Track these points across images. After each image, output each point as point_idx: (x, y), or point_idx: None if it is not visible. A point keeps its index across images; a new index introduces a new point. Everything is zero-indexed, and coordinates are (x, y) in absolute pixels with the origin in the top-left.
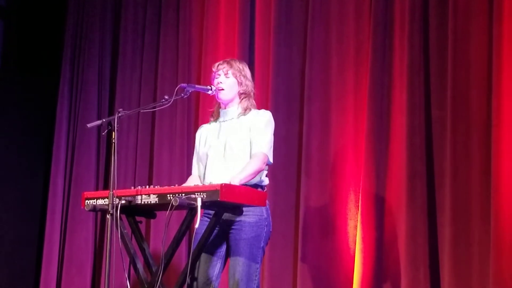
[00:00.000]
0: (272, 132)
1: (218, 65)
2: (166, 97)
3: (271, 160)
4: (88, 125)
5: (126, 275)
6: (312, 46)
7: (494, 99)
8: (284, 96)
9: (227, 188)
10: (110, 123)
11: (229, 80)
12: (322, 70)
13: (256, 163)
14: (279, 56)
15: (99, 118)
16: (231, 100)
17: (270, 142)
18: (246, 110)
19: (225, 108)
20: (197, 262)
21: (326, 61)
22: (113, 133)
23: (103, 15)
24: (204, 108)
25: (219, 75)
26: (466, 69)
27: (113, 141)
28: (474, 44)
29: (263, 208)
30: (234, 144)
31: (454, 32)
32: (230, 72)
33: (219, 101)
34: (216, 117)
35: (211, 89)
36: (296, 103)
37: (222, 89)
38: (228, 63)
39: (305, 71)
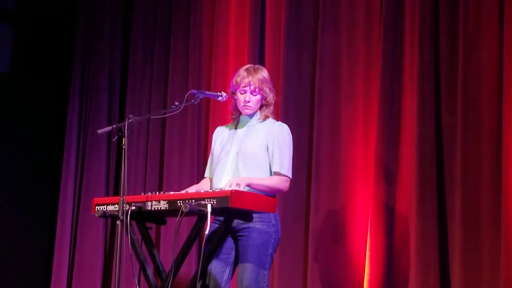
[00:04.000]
0: (292, 149)
1: (245, 80)
2: (177, 103)
3: (291, 176)
4: (99, 131)
5: (136, 282)
6: (322, 51)
7: (504, 104)
8: (294, 101)
9: (237, 194)
10: (120, 129)
11: (256, 97)
12: (332, 75)
13: (278, 183)
14: (289, 62)
15: (109, 124)
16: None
17: (291, 163)
18: (264, 118)
19: (244, 116)
20: (207, 269)
21: (336, 67)
22: (123, 139)
23: (114, 21)
24: (214, 114)
25: (245, 91)
26: (476, 74)
27: (123, 147)
28: (484, 49)
29: (272, 214)
30: (247, 152)
31: (464, 37)
32: (257, 89)
33: (243, 114)
34: (236, 120)
35: (221, 96)
36: (306, 108)
37: (250, 107)
38: (254, 77)
39: (315, 77)
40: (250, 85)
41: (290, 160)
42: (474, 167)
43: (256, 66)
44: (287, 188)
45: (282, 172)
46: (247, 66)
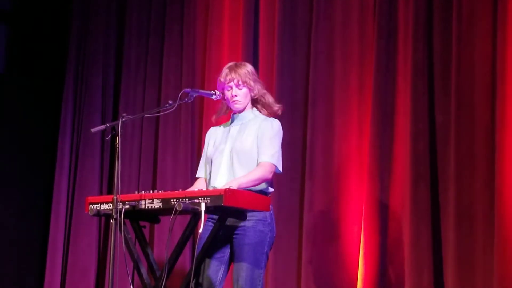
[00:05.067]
0: (280, 142)
1: (227, 77)
2: (170, 102)
3: (281, 169)
4: (92, 130)
5: (130, 280)
6: (316, 50)
7: (498, 103)
8: (288, 100)
9: (231, 193)
10: (114, 128)
11: (242, 91)
12: (326, 74)
13: (261, 172)
14: (283, 61)
15: (103, 123)
16: (245, 108)
17: (278, 153)
18: (257, 116)
19: (236, 113)
20: (201, 267)
21: (330, 65)
22: (117, 137)
23: (108, 20)
24: (208, 113)
25: (231, 87)
26: (470, 73)
27: (117, 146)
28: (478, 49)
29: (267, 213)
30: (241, 150)
31: (458, 36)
32: (241, 82)
33: (234, 110)
34: (226, 120)
35: (215, 94)
36: (300, 107)
37: (238, 101)
38: (236, 72)
39: (309, 75)
40: (234, 79)
41: (278, 151)
42: (467, 165)
43: (238, 62)
44: (271, 174)
45: (266, 160)
46: (229, 64)
